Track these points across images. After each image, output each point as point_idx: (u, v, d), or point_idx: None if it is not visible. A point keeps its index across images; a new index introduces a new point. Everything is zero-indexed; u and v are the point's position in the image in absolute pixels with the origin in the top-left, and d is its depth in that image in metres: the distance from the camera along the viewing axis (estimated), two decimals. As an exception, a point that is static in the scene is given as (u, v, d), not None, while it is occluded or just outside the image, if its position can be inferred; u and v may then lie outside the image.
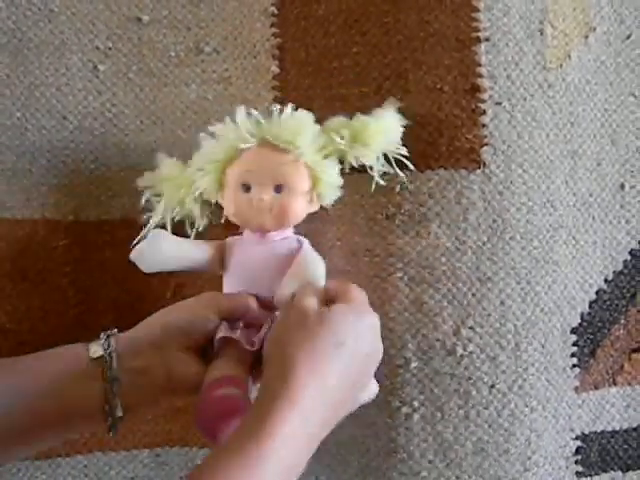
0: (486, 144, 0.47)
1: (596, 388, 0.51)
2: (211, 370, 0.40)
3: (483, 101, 0.47)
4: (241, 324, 0.42)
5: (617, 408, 0.51)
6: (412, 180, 0.47)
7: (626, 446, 0.52)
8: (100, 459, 0.50)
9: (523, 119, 0.48)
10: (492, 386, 0.47)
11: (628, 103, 0.52)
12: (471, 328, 0.47)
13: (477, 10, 0.47)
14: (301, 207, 0.42)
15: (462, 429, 0.47)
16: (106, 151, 0.49)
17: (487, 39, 0.47)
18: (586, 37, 0.50)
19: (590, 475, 0.51)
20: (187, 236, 0.45)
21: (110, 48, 0.50)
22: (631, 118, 0.52)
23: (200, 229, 0.44)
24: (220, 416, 0.37)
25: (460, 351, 0.47)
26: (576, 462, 0.51)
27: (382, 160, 0.44)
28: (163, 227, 0.44)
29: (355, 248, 0.48)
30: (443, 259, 0.47)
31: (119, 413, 0.38)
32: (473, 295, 0.47)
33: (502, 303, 0.48)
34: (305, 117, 0.42)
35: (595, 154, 0.51)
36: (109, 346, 0.39)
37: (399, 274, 0.47)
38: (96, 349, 0.39)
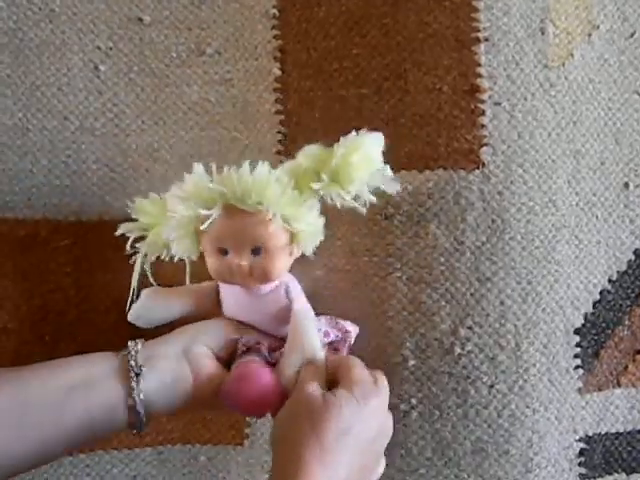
0: (485, 144, 0.48)
1: (600, 389, 0.51)
2: (234, 364, 0.42)
3: (482, 101, 0.48)
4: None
5: (621, 410, 0.52)
6: (411, 181, 0.48)
7: (630, 448, 0.52)
8: (102, 457, 0.50)
9: (524, 119, 0.49)
10: (491, 386, 0.48)
11: (632, 101, 0.52)
12: (469, 328, 0.48)
13: (476, 10, 0.48)
14: (282, 263, 0.41)
15: (461, 428, 0.48)
16: (107, 151, 0.50)
17: (487, 39, 0.48)
18: (589, 35, 0.51)
19: (594, 477, 0.52)
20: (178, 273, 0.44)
21: (111, 48, 0.50)
22: (635, 117, 0.52)
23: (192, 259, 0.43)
24: (244, 377, 0.39)
25: (458, 350, 0.48)
26: (580, 464, 0.51)
27: (367, 189, 0.40)
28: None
29: (354, 248, 0.48)
30: (441, 259, 0.48)
31: (141, 410, 0.39)
32: (472, 295, 0.48)
33: (502, 303, 0.48)
34: (266, 172, 0.39)
35: (599, 153, 0.51)
36: (135, 345, 0.41)
37: (398, 274, 0.48)
38: (123, 351, 0.41)
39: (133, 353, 0.40)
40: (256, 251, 0.40)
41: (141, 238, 0.44)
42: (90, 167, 0.50)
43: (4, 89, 0.49)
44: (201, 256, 0.42)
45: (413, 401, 0.48)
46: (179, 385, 0.41)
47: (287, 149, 0.50)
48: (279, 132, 0.50)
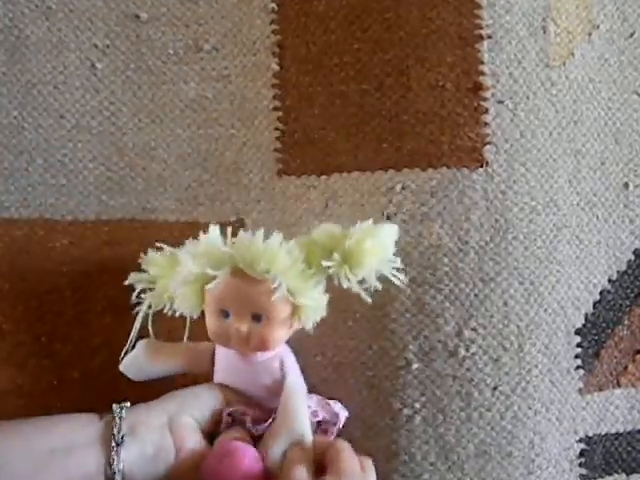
0: (488, 143, 0.47)
1: (600, 390, 0.51)
2: (218, 439, 0.41)
3: (485, 99, 0.47)
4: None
5: (621, 410, 0.51)
6: (413, 179, 0.47)
7: (630, 449, 0.52)
8: None
9: (526, 117, 0.48)
10: (495, 388, 0.47)
11: (632, 101, 0.52)
12: (474, 329, 0.47)
13: (479, 7, 0.47)
14: (281, 335, 0.40)
15: (464, 431, 0.47)
16: (104, 150, 0.50)
17: (489, 36, 0.48)
18: (589, 35, 0.51)
19: (594, 478, 0.51)
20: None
21: (108, 46, 0.50)
22: (635, 117, 0.52)
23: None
24: (227, 453, 0.38)
25: (462, 352, 0.47)
26: (580, 465, 0.51)
27: (374, 275, 0.40)
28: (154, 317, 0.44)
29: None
30: (445, 259, 0.47)
31: (119, 478, 0.38)
32: (476, 296, 0.47)
33: (505, 304, 0.48)
34: (278, 242, 0.39)
35: (599, 153, 0.51)
36: (120, 412, 0.40)
37: (401, 275, 0.47)
38: (108, 416, 0.40)
39: (117, 420, 0.39)
40: (257, 318, 0.39)
41: (145, 290, 0.44)
42: (87, 166, 0.50)
43: None
44: (202, 316, 0.42)
45: (417, 405, 0.47)
46: (161, 457, 0.40)
47: (285, 147, 0.49)
48: (277, 129, 0.49)
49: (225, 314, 0.40)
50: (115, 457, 0.38)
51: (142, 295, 0.44)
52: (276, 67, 0.49)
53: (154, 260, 0.44)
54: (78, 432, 0.39)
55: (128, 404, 0.41)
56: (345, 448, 0.39)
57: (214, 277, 0.39)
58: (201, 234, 0.41)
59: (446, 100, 0.47)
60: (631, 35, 0.52)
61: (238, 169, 0.50)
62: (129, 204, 0.50)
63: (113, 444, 0.38)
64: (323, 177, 0.49)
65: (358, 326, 0.48)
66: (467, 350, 0.47)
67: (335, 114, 0.49)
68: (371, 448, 0.48)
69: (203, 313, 0.42)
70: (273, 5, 0.49)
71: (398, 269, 0.41)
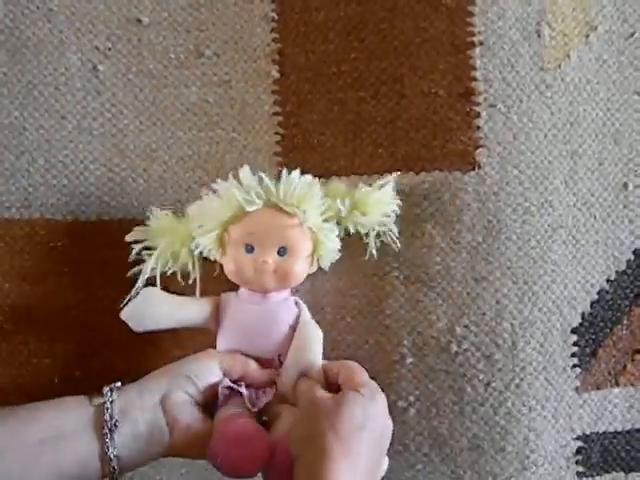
0: (481, 146, 0.50)
1: (598, 388, 0.52)
2: (218, 416, 0.42)
3: (477, 104, 0.50)
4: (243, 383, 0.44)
5: (619, 409, 0.53)
6: (407, 182, 0.49)
7: (628, 447, 0.53)
8: None
9: (519, 120, 0.50)
10: (488, 384, 0.50)
11: (632, 101, 0.53)
12: (466, 326, 0.49)
13: (472, 15, 0.49)
14: (303, 270, 0.44)
15: (457, 425, 0.50)
16: (105, 152, 0.50)
17: (482, 43, 0.50)
18: (587, 36, 0.52)
19: (592, 476, 0.53)
20: (178, 289, 0.46)
21: (110, 49, 0.50)
22: (635, 117, 0.53)
23: (191, 282, 0.45)
24: (238, 439, 0.39)
25: (454, 348, 0.49)
26: (577, 462, 0.52)
27: (375, 231, 0.46)
28: (153, 282, 0.45)
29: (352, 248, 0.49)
30: (438, 259, 0.50)
31: (115, 463, 0.39)
32: (468, 294, 0.50)
33: (498, 302, 0.50)
34: (311, 182, 0.45)
35: (597, 154, 0.52)
36: (111, 395, 0.40)
37: (395, 273, 0.50)
38: (98, 399, 0.41)
39: (108, 405, 0.40)
40: (282, 252, 0.43)
41: (147, 249, 0.46)
42: (88, 167, 0.51)
43: (1, 88, 0.50)
44: (208, 278, 0.45)
45: (411, 398, 0.50)
46: (155, 436, 0.40)
47: (285, 150, 0.51)
48: (277, 133, 0.51)
49: (250, 249, 0.43)
50: (109, 443, 0.39)
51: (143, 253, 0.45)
52: (276, 74, 0.51)
53: (158, 213, 0.46)
54: (68, 419, 0.39)
55: (119, 384, 0.42)
56: (356, 365, 0.43)
57: (244, 214, 0.43)
58: (230, 176, 0.44)
59: (438, 106, 0.49)
60: (631, 35, 0.53)
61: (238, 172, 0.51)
62: (130, 205, 0.51)
63: (106, 430, 0.39)
64: (321, 180, 0.50)
65: (355, 322, 0.51)
66: (459, 346, 0.49)
67: (333, 120, 0.51)
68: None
69: (209, 276, 0.45)
70: (274, 14, 0.51)
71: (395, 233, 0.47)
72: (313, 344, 0.43)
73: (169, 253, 0.45)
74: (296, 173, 0.44)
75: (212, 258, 0.45)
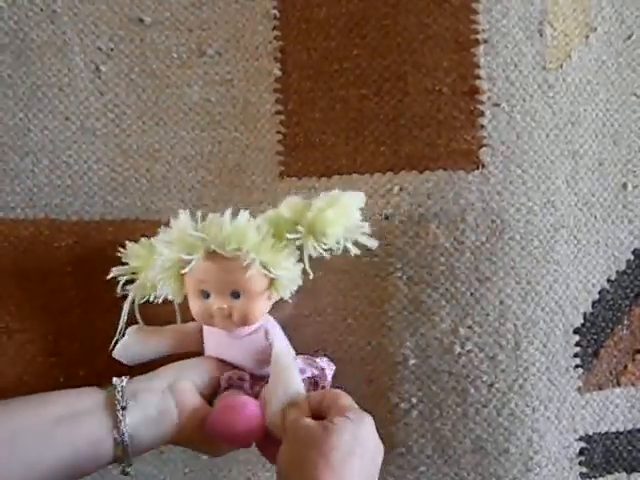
0: (484, 145, 0.49)
1: (600, 389, 0.52)
2: (218, 398, 0.44)
3: (481, 103, 0.48)
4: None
5: (621, 409, 0.52)
6: (411, 181, 0.48)
7: (630, 447, 0.53)
8: None
9: (522, 120, 0.49)
10: (491, 385, 0.49)
11: (630, 103, 0.53)
12: (469, 327, 0.48)
13: (476, 12, 0.48)
14: (261, 307, 0.43)
15: (460, 426, 0.49)
16: (109, 152, 0.50)
17: (485, 41, 0.49)
18: (587, 37, 0.51)
19: (594, 476, 0.52)
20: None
21: (112, 49, 0.50)
22: (633, 118, 0.53)
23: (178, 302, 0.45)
24: (232, 406, 0.41)
25: (458, 349, 0.48)
26: (580, 463, 0.52)
27: (343, 242, 0.42)
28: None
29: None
30: (442, 259, 0.48)
31: (127, 440, 0.40)
32: (471, 295, 0.49)
33: (501, 303, 0.49)
34: (245, 220, 0.41)
35: (597, 154, 0.52)
36: (122, 381, 0.42)
37: (398, 274, 0.48)
38: (109, 386, 0.42)
39: (119, 388, 0.41)
40: (235, 295, 0.42)
41: (131, 281, 0.46)
42: (91, 167, 0.51)
43: (5, 89, 0.50)
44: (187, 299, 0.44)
45: (413, 400, 0.49)
46: (164, 418, 0.42)
47: (287, 149, 0.50)
48: (279, 132, 0.51)
49: (205, 295, 0.42)
50: (122, 419, 0.40)
51: (127, 287, 0.46)
52: (278, 72, 0.50)
53: (134, 251, 0.46)
54: (83, 400, 0.41)
55: (128, 377, 0.43)
56: (339, 392, 0.42)
57: (190, 261, 0.41)
58: (172, 220, 0.43)
59: (442, 104, 0.48)
60: (629, 37, 0.53)
61: (241, 171, 0.51)
62: (133, 205, 0.51)
63: (118, 407, 0.40)
64: (323, 179, 0.50)
65: (357, 323, 0.49)
66: (462, 347, 0.48)
67: (335, 118, 0.50)
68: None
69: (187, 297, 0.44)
70: (275, 12, 0.50)
71: (368, 234, 0.42)
72: (289, 374, 0.42)
73: (148, 285, 0.45)
74: (227, 214, 0.41)
75: (177, 301, 0.45)
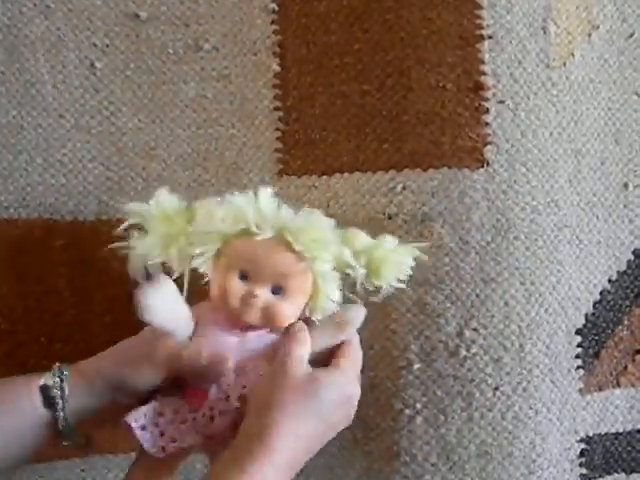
0: (489, 143, 0.48)
1: (600, 390, 0.51)
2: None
3: (486, 99, 0.48)
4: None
5: (621, 410, 0.52)
6: (415, 179, 0.48)
7: (630, 448, 0.52)
8: (98, 462, 0.50)
9: (526, 117, 0.48)
10: (496, 388, 0.48)
11: (632, 102, 0.52)
12: (475, 330, 0.48)
13: (480, 7, 0.48)
14: (293, 315, 0.39)
15: (465, 432, 0.48)
16: (104, 150, 0.50)
17: (490, 37, 0.48)
18: (589, 35, 0.51)
19: (594, 477, 0.52)
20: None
21: (107, 45, 0.50)
22: (634, 117, 0.52)
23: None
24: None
25: (463, 353, 0.47)
26: (580, 464, 0.51)
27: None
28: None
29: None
30: (446, 259, 0.47)
31: (69, 419, 0.38)
32: (477, 296, 0.48)
33: (506, 304, 0.48)
34: (328, 225, 0.39)
35: (599, 153, 0.51)
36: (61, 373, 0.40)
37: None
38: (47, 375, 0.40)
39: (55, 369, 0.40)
40: (276, 290, 0.38)
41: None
42: (86, 166, 0.50)
43: None
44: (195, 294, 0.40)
45: (418, 406, 0.48)
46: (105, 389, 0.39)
47: (286, 147, 0.49)
48: (278, 129, 0.50)
49: (242, 276, 0.38)
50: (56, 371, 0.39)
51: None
52: (277, 67, 0.50)
53: (164, 196, 0.40)
54: (15, 380, 0.40)
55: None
56: (350, 352, 0.40)
57: (252, 234, 0.37)
58: (251, 193, 0.39)
59: (447, 100, 0.47)
60: (631, 35, 0.52)
61: (238, 169, 0.50)
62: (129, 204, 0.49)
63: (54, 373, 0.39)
64: (324, 177, 0.49)
65: (360, 326, 0.47)
66: (468, 350, 0.47)
67: (336, 114, 0.49)
68: (372, 449, 0.48)
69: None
70: (274, 5, 0.50)
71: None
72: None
73: (160, 245, 0.40)
74: (317, 212, 0.39)
75: (201, 269, 0.40)
